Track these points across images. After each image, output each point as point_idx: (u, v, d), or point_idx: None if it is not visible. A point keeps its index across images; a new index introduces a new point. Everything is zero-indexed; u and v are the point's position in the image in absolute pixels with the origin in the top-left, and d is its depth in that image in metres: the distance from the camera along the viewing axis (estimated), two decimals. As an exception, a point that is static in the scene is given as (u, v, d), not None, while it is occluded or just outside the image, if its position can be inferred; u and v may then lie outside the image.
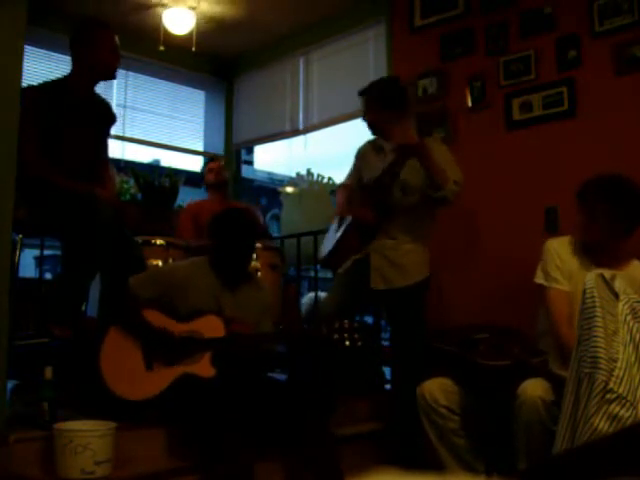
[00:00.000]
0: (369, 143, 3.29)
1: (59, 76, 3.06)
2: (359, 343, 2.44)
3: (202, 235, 3.96)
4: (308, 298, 4.95)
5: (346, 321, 2.46)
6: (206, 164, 4.45)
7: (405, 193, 2.99)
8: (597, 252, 2.46)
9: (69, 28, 3.08)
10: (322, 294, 4.17)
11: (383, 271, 3.03)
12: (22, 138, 2.69)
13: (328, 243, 3.28)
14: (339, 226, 3.22)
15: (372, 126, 3.13)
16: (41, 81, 3.08)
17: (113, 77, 3.06)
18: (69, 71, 2.99)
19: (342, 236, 3.20)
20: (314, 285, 4.62)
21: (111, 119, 3.19)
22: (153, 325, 2.50)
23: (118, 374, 2.44)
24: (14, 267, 2.90)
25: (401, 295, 3.02)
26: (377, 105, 3.08)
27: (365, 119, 3.15)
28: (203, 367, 2.46)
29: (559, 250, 2.51)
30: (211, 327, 2.52)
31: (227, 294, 2.68)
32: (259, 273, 3.63)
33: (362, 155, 3.28)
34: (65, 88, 2.94)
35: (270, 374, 3.10)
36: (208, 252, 2.79)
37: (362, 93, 3.16)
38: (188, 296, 2.58)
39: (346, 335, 2.44)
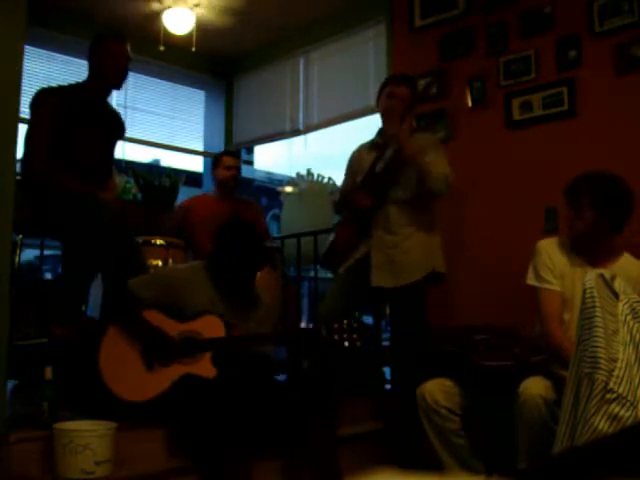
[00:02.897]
0: (363, 145, 3.30)
1: (77, 80, 3.14)
2: (358, 343, 2.44)
3: (196, 228, 3.91)
4: None
5: (345, 321, 2.46)
6: (220, 157, 4.20)
7: (400, 186, 3.03)
8: (587, 249, 2.47)
9: (69, 28, 3.12)
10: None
11: (383, 269, 3.03)
12: (34, 144, 2.71)
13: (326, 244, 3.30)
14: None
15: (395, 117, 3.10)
16: (41, 81, 3.11)
17: (119, 87, 3.12)
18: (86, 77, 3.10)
19: (336, 233, 3.22)
20: (314, 285, 4.62)
21: (121, 129, 3.27)
22: (152, 326, 2.50)
23: (118, 375, 2.43)
24: (14, 267, 2.90)
25: (402, 293, 3.02)
26: (415, 99, 3.16)
27: (394, 109, 3.10)
28: (204, 367, 2.45)
29: (550, 250, 2.52)
30: (211, 327, 2.51)
31: (224, 302, 2.65)
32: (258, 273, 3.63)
33: (356, 157, 3.30)
34: (79, 92, 3.00)
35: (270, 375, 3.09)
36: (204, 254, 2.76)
37: (403, 81, 3.16)
38: (188, 300, 2.57)
39: (345, 336, 2.44)
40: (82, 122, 2.95)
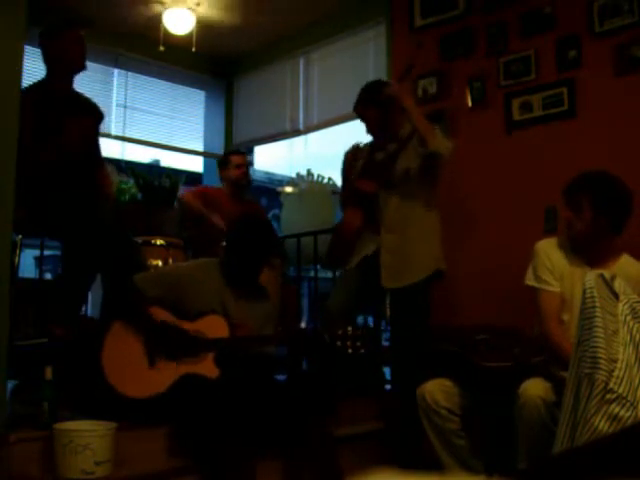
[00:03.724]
0: (355, 146, 3.29)
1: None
2: (362, 351, 2.43)
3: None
4: None
5: (350, 328, 2.46)
6: (227, 157, 4.22)
7: (403, 177, 3.03)
8: (585, 250, 2.47)
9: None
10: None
11: (392, 270, 3.04)
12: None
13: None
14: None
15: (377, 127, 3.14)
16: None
17: (83, 68, 3.11)
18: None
19: (339, 228, 3.21)
20: (314, 285, 4.62)
21: (99, 116, 3.23)
22: (161, 320, 2.49)
23: (120, 371, 2.43)
24: (14, 267, 2.90)
25: (405, 293, 3.03)
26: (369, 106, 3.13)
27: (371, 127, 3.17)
28: (207, 367, 2.45)
29: (548, 251, 2.52)
30: (214, 327, 2.51)
31: (234, 299, 2.66)
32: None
33: (351, 156, 3.29)
34: (45, 88, 2.98)
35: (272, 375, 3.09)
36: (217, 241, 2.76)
37: (366, 103, 3.16)
38: (194, 297, 2.57)
39: (349, 343, 2.43)
40: (57, 116, 2.92)
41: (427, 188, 3.08)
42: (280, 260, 3.95)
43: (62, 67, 3.04)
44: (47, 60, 3.04)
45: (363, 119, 3.19)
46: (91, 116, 3.14)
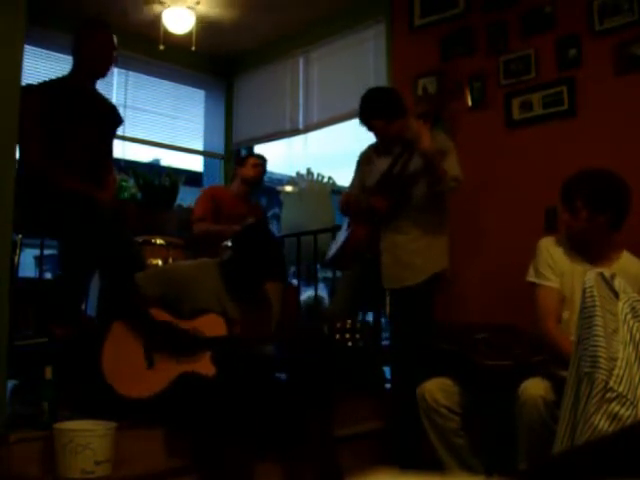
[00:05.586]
0: (372, 147, 3.29)
1: (59, 75, 3.11)
2: (360, 343, 2.43)
3: (220, 220, 4.00)
4: (307, 297, 4.94)
5: (349, 321, 2.45)
6: (246, 157, 4.47)
7: (415, 182, 3.02)
8: (585, 248, 2.47)
9: (69, 27, 3.12)
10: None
11: (394, 270, 3.03)
12: (25, 138, 2.68)
13: (337, 244, 3.28)
14: (347, 227, 3.24)
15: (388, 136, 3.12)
16: (41, 80, 3.09)
17: (104, 75, 3.10)
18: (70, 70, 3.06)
19: (349, 234, 3.20)
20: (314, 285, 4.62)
21: (117, 120, 3.23)
22: (158, 320, 2.49)
23: (119, 371, 2.43)
24: (14, 267, 2.90)
25: (405, 293, 3.02)
26: (387, 118, 3.05)
27: (382, 133, 3.12)
28: (204, 365, 2.45)
29: (551, 248, 2.53)
30: (213, 326, 2.51)
31: (232, 300, 2.65)
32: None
33: (365, 159, 3.28)
34: (65, 85, 2.97)
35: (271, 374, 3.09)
36: (223, 245, 2.76)
37: (373, 115, 3.09)
38: (192, 296, 2.57)
39: (348, 336, 2.43)
40: (73, 115, 2.92)
41: (435, 201, 3.08)
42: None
43: (90, 67, 3.02)
44: (76, 57, 3.02)
45: (369, 129, 3.14)
46: (104, 123, 3.12)
